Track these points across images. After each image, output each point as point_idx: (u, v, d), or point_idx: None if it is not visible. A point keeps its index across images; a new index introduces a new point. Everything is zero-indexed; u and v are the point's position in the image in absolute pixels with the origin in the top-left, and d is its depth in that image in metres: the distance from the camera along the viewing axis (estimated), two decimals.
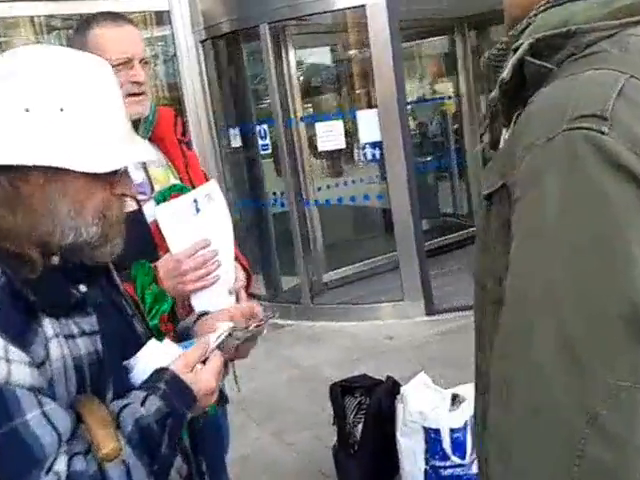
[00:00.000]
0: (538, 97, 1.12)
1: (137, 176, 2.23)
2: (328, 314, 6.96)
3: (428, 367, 4.48)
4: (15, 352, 1.25)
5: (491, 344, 1.16)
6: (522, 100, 1.19)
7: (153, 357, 1.49)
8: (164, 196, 2.28)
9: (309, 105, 8.02)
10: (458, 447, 3.54)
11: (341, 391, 3.89)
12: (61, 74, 1.35)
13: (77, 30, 2.30)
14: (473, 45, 9.12)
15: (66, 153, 1.32)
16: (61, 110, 1.33)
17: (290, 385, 5.42)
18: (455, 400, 3.68)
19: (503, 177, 1.12)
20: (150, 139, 2.36)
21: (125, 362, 1.47)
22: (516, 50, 1.17)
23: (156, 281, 2.04)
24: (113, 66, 2.07)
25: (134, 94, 2.24)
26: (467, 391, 3.64)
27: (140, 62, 2.27)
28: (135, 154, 1.51)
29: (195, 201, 2.23)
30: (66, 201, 1.36)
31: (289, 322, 6.86)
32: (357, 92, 7.84)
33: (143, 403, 1.38)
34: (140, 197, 2.22)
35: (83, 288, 1.43)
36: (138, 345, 1.51)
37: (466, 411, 3.59)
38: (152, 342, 1.53)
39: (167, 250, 2.23)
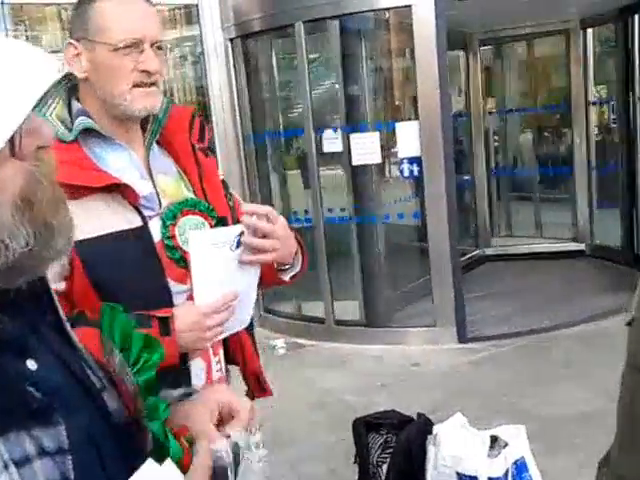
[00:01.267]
0: None
1: (143, 188, 1.91)
2: (351, 336, 6.60)
3: (454, 398, 4.16)
4: None
5: None
6: None
7: None
8: (174, 213, 1.95)
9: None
10: None
11: (365, 427, 3.45)
12: None
13: (78, 4, 1.91)
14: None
15: None
16: None
17: (308, 410, 5.15)
18: (495, 444, 3.18)
19: None
20: (158, 142, 2.03)
21: None
22: None
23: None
24: (118, 49, 1.81)
25: (142, 84, 1.87)
26: (508, 433, 3.18)
27: (152, 46, 1.87)
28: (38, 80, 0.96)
29: (241, 234, 1.90)
30: None
31: (312, 342, 6.50)
32: (397, 102, 7.45)
33: None
34: (146, 212, 1.89)
35: (32, 365, 0.98)
36: (113, 440, 1.06)
37: (508, 458, 3.09)
38: (148, 465, 1.05)
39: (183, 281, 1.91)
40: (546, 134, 10.20)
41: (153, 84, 1.88)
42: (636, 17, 7.60)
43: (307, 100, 6.53)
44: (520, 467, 3.09)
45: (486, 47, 9.64)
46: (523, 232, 9.88)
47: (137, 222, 1.85)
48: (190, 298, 1.90)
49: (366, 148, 6.49)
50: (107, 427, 1.07)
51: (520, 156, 10.28)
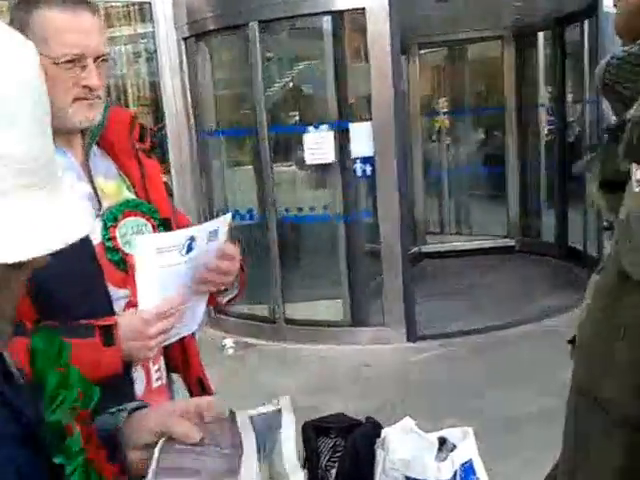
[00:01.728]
0: None
1: (81, 189, 1.84)
2: (301, 335, 6.53)
3: (404, 398, 4.11)
4: None
5: (602, 469, 0.91)
6: None
7: None
8: (115, 215, 1.87)
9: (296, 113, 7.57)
10: None
11: (315, 431, 3.40)
12: None
13: (19, 5, 1.80)
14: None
15: None
16: None
17: None
18: (443, 446, 3.15)
19: None
20: (98, 144, 1.94)
21: None
22: None
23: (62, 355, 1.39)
24: (58, 63, 1.72)
25: (84, 99, 1.79)
26: (456, 435, 3.16)
27: (96, 61, 1.78)
28: (59, 233, 0.88)
29: (192, 239, 1.78)
30: None
31: (262, 342, 6.42)
32: (351, 102, 7.41)
33: None
34: None
35: None
36: None
37: (456, 461, 3.07)
38: None
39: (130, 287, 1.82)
40: (482, 135, 10.59)
41: (96, 97, 1.80)
42: (586, 23, 7.75)
43: (261, 99, 6.47)
44: (467, 470, 3.07)
45: (424, 51, 9.94)
46: (456, 229, 10.24)
47: None
48: (130, 304, 1.83)
49: (320, 147, 6.45)
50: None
51: (457, 156, 10.49)
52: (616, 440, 0.90)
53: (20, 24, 1.73)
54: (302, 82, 7.17)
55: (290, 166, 7.20)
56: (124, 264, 1.85)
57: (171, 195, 2.11)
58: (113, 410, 1.22)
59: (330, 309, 6.89)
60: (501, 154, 9.79)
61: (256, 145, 6.68)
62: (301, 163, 6.92)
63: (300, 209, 7.02)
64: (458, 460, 3.13)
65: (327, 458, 3.43)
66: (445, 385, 5.17)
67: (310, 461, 3.52)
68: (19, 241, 0.80)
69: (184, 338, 2.05)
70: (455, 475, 3.12)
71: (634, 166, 0.97)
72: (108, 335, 1.73)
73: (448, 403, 4.76)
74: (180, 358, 2.08)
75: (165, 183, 2.11)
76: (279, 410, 1.28)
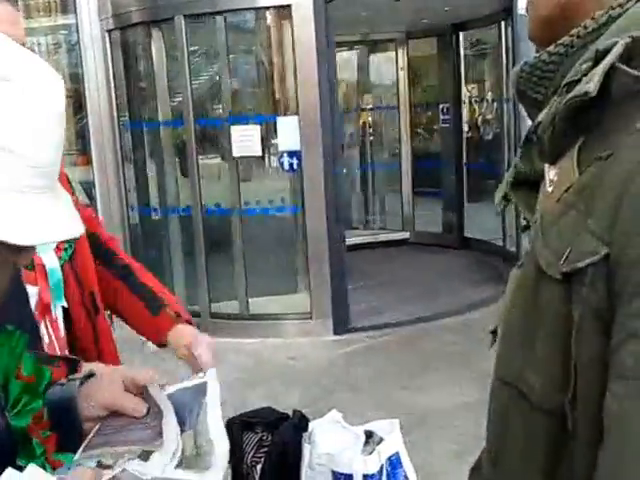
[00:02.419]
0: None
1: None
2: (227, 329, 6.39)
3: (331, 391, 4.04)
4: None
5: (525, 458, 0.93)
6: (580, 127, 0.90)
7: None
8: None
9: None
10: None
11: (240, 427, 3.32)
12: None
13: None
14: None
15: None
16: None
17: None
18: (369, 440, 3.11)
19: (606, 244, 0.81)
20: None
21: None
22: (601, 54, 0.83)
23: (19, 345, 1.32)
24: None
25: None
26: (383, 428, 3.12)
27: None
28: (65, 226, 1.03)
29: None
30: None
31: None
32: (278, 96, 7.34)
33: None
34: None
35: None
36: None
37: (382, 454, 3.03)
38: (9, 472, 0.97)
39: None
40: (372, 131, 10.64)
41: None
42: (502, 24, 7.90)
43: (187, 91, 6.37)
44: (394, 463, 3.03)
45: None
46: (356, 223, 10.39)
47: None
48: (41, 300, 1.83)
49: (247, 140, 6.37)
50: None
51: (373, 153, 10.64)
52: (538, 428, 0.91)
53: None
54: (230, 76, 7.06)
55: (215, 159, 7.08)
56: (32, 266, 1.82)
57: (90, 197, 2.04)
58: (63, 381, 1.26)
59: (257, 303, 6.82)
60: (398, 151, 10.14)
61: (182, 138, 6.58)
62: (228, 156, 6.82)
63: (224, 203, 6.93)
64: (385, 453, 3.08)
65: (252, 454, 3.36)
66: (372, 378, 5.13)
67: (235, 456, 3.46)
68: (31, 230, 0.94)
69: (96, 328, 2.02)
70: (382, 468, 3.08)
71: (547, 167, 1.00)
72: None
73: (374, 396, 4.74)
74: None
75: (67, 179, 2.00)
76: (204, 383, 1.33)
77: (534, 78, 0.98)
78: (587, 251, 0.82)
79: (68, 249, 1.93)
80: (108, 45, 6.79)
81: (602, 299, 0.81)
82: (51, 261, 1.89)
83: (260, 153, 6.65)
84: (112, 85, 6.86)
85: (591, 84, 0.82)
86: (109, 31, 6.74)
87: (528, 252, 0.99)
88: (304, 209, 6.40)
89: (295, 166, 6.35)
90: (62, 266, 1.92)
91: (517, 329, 0.97)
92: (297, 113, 6.23)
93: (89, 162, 6.92)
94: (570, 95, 0.86)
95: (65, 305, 1.94)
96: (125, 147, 7.10)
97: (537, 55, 0.98)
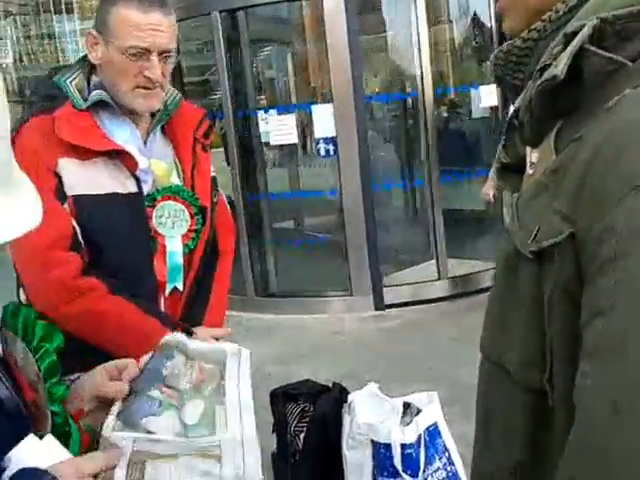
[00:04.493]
0: (630, 104, 0.79)
1: (142, 161, 1.97)
2: (274, 306, 6.44)
3: (372, 365, 4.02)
4: None
5: (508, 436, 0.93)
6: (558, 110, 0.88)
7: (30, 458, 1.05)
8: (154, 197, 1.99)
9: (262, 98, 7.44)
10: (410, 464, 2.98)
11: (283, 398, 3.34)
12: None
13: (102, 2, 1.97)
14: None
15: None
16: None
17: None
18: (407, 411, 3.09)
19: (571, 223, 0.80)
20: (164, 131, 2.09)
21: None
22: (570, 37, 0.82)
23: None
24: (126, 53, 1.86)
25: (145, 87, 1.92)
26: (421, 400, 3.11)
27: (161, 55, 1.90)
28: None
29: None
30: None
31: (234, 314, 6.33)
32: (313, 85, 7.29)
33: None
34: (142, 183, 1.97)
35: None
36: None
37: (420, 425, 3.02)
38: (30, 439, 1.08)
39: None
40: None
41: (157, 87, 1.92)
42: None
43: (225, 84, 6.35)
44: (433, 433, 3.01)
45: None
46: None
47: (133, 188, 1.91)
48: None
49: (284, 129, 6.35)
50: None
51: None
52: (519, 406, 0.91)
53: (103, 14, 1.90)
54: (266, 67, 7.06)
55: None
56: (154, 242, 1.94)
57: (216, 188, 2.21)
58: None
59: (302, 280, 6.85)
60: None
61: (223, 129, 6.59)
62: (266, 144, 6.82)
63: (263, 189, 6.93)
64: (423, 424, 3.05)
65: (295, 423, 3.37)
66: (412, 352, 5.08)
67: (279, 427, 3.46)
68: None
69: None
70: (420, 438, 3.06)
71: (529, 150, 0.98)
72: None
73: (415, 369, 4.69)
74: None
75: (213, 177, 2.20)
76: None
77: (510, 64, 0.96)
78: (553, 230, 0.82)
79: (195, 239, 2.05)
80: None
81: (570, 278, 0.80)
82: (174, 246, 2.01)
83: (296, 140, 6.63)
84: None
85: (559, 67, 0.80)
86: None
87: (507, 236, 0.98)
88: (341, 192, 6.34)
89: (331, 152, 6.32)
90: (185, 253, 2.04)
91: (498, 308, 0.97)
92: (331, 100, 6.17)
93: None
94: (541, 79, 0.84)
95: (180, 287, 2.07)
96: None
97: (510, 42, 0.95)
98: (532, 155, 0.96)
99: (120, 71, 1.88)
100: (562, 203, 0.82)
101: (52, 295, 1.82)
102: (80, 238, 1.86)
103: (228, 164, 6.89)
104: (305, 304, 6.38)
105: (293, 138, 6.51)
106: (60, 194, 1.83)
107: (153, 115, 2.01)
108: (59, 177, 1.84)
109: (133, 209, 1.92)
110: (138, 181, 1.92)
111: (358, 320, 6.07)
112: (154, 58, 1.88)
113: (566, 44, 0.82)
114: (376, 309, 6.23)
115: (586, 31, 0.80)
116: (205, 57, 7.30)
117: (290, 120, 6.40)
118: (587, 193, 0.78)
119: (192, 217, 2.03)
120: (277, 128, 6.38)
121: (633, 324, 0.73)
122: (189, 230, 2.03)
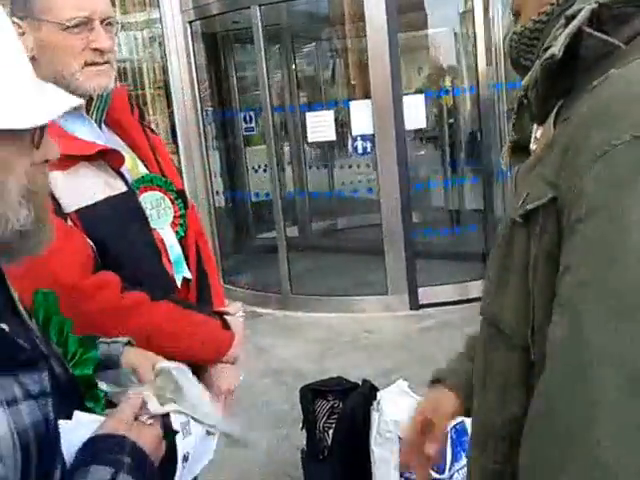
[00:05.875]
0: (610, 82, 0.84)
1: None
2: (308, 305, 6.44)
3: (404, 364, 4.11)
4: None
5: (503, 391, 1.00)
6: (560, 89, 0.94)
7: (81, 428, 1.09)
8: (134, 192, 1.83)
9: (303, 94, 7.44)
10: None
11: (312, 394, 3.37)
12: None
13: None
14: None
15: None
16: None
17: (262, 377, 4.96)
18: None
19: (554, 188, 0.87)
20: (105, 122, 1.86)
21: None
22: (570, 19, 0.87)
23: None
24: (67, 28, 1.65)
25: (94, 63, 1.69)
26: None
27: (103, 23, 1.69)
28: (61, 101, 1.04)
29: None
30: None
31: (268, 311, 6.34)
32: (352, 82, 7.29)
33: None
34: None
35: (5, 327, 1.02)
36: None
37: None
38: (78, 413, 1.11)
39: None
40: None
41: (106, 62, 1.71)
42: None
43: (264, 80, 6.32)
44: (459, 431, 3.02)
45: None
46: None
47: (122, 187, 1.75)
48: None
49: (321, 126, 6.32)
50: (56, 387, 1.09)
51: None
52: (513, 362, 0.97)
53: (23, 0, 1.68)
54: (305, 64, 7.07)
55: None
56: (154, 241, 1.86)
57: (179, 172, 2.07)
58: (108, 341, 1.42)
59: (338, 279, 6.86)
60: None
61: (262, 124, 6.58)
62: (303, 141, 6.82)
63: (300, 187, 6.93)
64: (450, 422, 3.05)
65: (324, 420, 3.43)
66: (445, 351, 5.01)
67: (308, 423, 3.52)
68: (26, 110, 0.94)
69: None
70: (446, 436, 3.08)
71: (535, 127, 1.05)
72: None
73: None
74: None
75: (170, 159, 2.06)
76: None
77: (522, 46, 1.02)
78: (538, 195, 0.88)
79: (183, 225, 1.93)
80: (190, 37, 6.77)
81: (552, 239, 0.86)
82: (168, 236, 1.89)
83: (334, 138, 6.58)
84: (194, 76, 6.83)
85: (557, 47, 0.86)
86: (190, 22, 6.72)
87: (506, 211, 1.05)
88: (378, 189, 6.30)
89: (369, 149, 6.28)
90: (180, 240, 1.92)
91: (496, 272, 1.02)
92: (369, 97, 6.13)
93: (176, 150, 7.00)
94: (542, 58, 0.89)
95: (188, 276, 1.95)
96: (209, 135, 7.13)
97: (523, 24, 1.01)
98: (537, 132, 1.03)
99: (64, 50, 1.66)
100: (549, 171, 0.88)
101: (100, 324, 1.61)
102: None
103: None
104: (341, 303, 6.38)
105: (330, 135, 6.45)
106: (60, 214, 1.61)
107: (88, 109, 1.80)
108: (52, 196, 1.53)
109: (130, 209, 1.78)
110: (124, 178, 1.77)
111: (393, 319, 6.05)
112: (98, 26, 1.68)
113: (566, 26, 0.87)
114: (411, 309, 6.20)
115: (584, 14, 0.85)
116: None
117: (328, 117, 6.36)
118: (568, 161, 0.84)
119: (173, 203, 1.90)
120: (314, 125, 6.34)
121: (593, 278, 0.79)
122: (175, 217, 1.90)
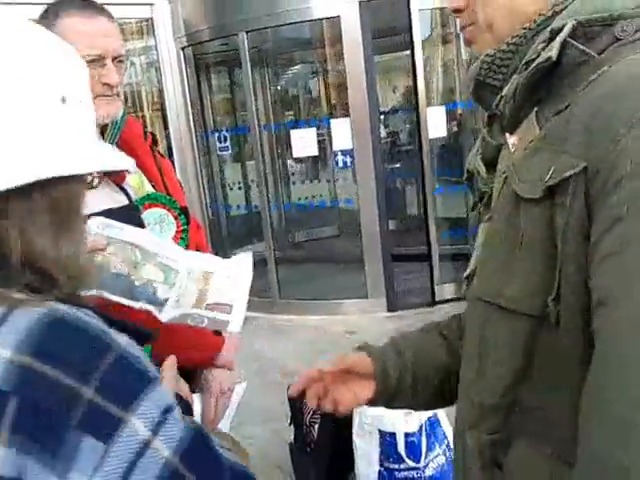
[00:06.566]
0: (627, 63, 0.93)
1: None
2: (294, 308, 6.62)
3: None
4: None
5: (503, 362, 1.02)
6: (535, 99, 1.03)
7: None
8: (137, 206, 1.90)
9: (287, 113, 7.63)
10: (412, 450, 3.21)
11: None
12: (58, 54, 1.00)
13: (43, 17, 1.82)
14: None
15: (71, 153, 0.93)
16: (63, 100, 0.94)
17: (252, 377, 5.03)
18: None
19: (585, 158, 0.89)
20: (117, 144, 1.93)
21: None
22: (556, 32, 0.98)
23: None
24: None
25: (104, 95, 1.80)
26: None
27: (114, 60, 1.81)
28: (117, 156, 1.09)
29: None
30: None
31: (259, 315, 6.50)
32: (332, 102, 7.48)
33: None
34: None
35: None
36: None
37: (422, 415, 3.26)
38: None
39: None
40: None
41: (115, 94, 1.83)
42: None
43: (251, 101, 6.52)
44: (433, 423, 3.19)
45: None
46: None
47: (124, 201, 1.81)
48: None
49: (305, 142, 6.52)
50: None
51: None
52: (518, 331, 0.99)
53: None
54: (288, 85, 7.23)
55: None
56: None
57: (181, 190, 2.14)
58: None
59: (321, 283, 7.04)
60: None
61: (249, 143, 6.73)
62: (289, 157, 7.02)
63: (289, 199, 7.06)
64: (424, 415, 3.28)
65: (310, 416, 3.55)
66: None
67: (295, 419, 3.65)
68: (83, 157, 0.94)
69: None
70: (422, 428, 3.29)
71: (507, 136, 1.10)
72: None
73: None
74: None
75: (178, 180, 2.16)
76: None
77: (494, 66, 1.08)
78: (568, 166, 0.90)
79: (185, 238, 1.97)
80: (183, 62, 6.95)
81: (582, 207, 0.89)
82: None
83: (317, 153, 6.76)
84: (187, 98, 7.03)
85: (552, 51, 0.96)
86: (183, 48, 6.90)
87: (496, 204, 1.09)
88: (358, 202, 6.48)
89: (348, 163, 6.52)
90: None
91: (495, 258, 1.04)
92: (348, 115, 6.31)
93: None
94: (534, 64, 0.98)
95: None
96: (202, 152, 7.31)
97: (495, 47, 1.08)
98: (511, 139, 1.09)
99: None
100: (572, 146, 0.92)
101: None
102: None
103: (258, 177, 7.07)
104: (325, 306, 6.54)
105: (313, 151, 6.64)
106: None
107: (102, 133, 1.88)
108: None
109: (131, 222, 1.74)
110: (126, 192, 1.83)
111: (372, 320, 6.22)
112: (109, 63, 1.78)
113: (551, 38, 0.98)
114: (389, 310, 6.38)
115: (569, 27, 0.96)
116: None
117: (311, 134, 6.56)
118: (597, 135, 0.88)
119: (176, 219, 1.96)
120: (298, 142, 6.54)
121: None
122: (177, 232, 1.95)
